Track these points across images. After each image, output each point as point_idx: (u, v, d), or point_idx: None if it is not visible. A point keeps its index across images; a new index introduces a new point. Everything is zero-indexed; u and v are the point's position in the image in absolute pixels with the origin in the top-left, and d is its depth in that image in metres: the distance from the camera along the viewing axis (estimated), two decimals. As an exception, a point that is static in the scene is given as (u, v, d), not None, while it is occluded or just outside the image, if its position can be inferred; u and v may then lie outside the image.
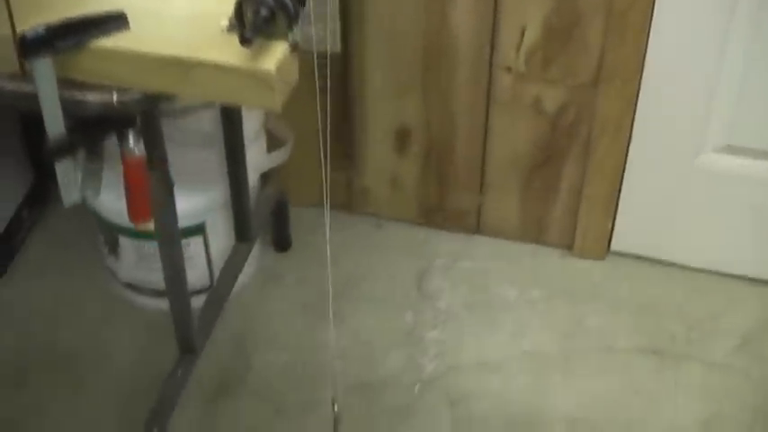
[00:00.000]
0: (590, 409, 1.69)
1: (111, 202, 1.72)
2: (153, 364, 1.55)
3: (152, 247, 1.72)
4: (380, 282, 1.92)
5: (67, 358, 1.77)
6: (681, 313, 1.87)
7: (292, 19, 1.03)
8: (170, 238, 1.38)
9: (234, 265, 1.69)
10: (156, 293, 1.83)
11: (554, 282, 1.93)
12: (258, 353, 1.77)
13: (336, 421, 1.27)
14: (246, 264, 1.83)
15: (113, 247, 1.83)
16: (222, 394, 1.69)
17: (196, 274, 1.78)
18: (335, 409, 1.26)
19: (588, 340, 1.82)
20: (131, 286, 1.87)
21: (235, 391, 1.70)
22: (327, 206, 1.18)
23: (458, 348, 1.79)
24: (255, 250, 1.93)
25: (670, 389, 1.73)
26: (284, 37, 1.05)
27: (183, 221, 1.55)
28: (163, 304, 1.76)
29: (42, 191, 2.04)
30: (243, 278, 1.87)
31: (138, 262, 1.81)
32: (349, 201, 2.01)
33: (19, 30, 1.04)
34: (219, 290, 1.65)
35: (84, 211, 1.85)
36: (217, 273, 1.76)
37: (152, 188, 1.28)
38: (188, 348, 1.51)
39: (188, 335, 1.50)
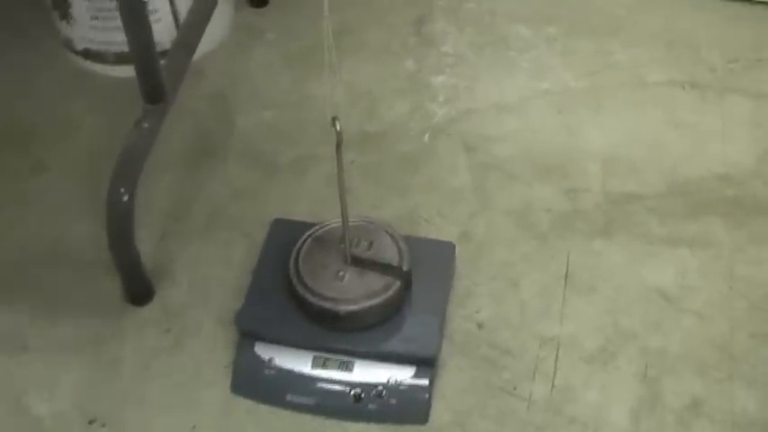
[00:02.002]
0: (626, 147, 1.47)
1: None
2: (119, 135, 1.31)
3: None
4: (375, 30, 1.67)
5: (25, 138, 1.52)
6: (719, 44, 1.64)
7: None
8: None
9: (201, 6, 1.43)
10: (117, 59, 1.59)
11: (572, 17, 1.69)
12: (242, 112, 1.54)
13: (339, 142, 1.04)
14: (221, 21, 1.59)
15: (65, 11, 1.57)
16: (205, 157, 1.47)
17: (162, 28, 1.53)
18: (338, 128, 1.02)
19: (617, 75, 1.59)
20: (89, 54, 1.62)
21: (219, 153, 1.47)
22: None
23: (469, 92, 1.55)
24: (229, 5, 1.67)
25: (716, 123, 1.51)
26: None
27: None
28: (125, 72, 1.52)
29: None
30: (218, 37, 1.63)
31: (93, 21, 1.55)
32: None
33: None
34: (187, 32, 1.40)
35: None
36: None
37: None
38: (154, 97, 1.27)
39: (153, 81, 1.25)
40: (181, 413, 1.17)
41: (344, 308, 1.15)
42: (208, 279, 1.31)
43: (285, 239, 1.25)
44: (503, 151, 1.47)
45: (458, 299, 1.27)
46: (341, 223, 1.19)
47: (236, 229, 1.37)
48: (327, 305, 1.15)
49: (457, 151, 1.47)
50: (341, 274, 1.18)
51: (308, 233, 1.23)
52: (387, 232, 1.23)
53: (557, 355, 1.22)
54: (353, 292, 1.16)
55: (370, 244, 1.21)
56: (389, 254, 1.20)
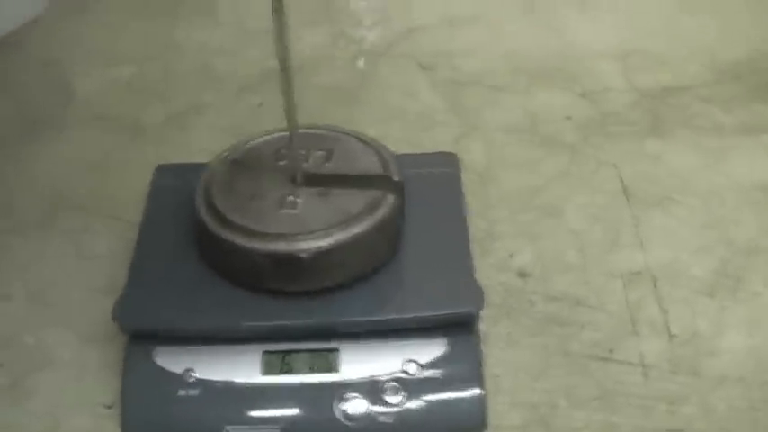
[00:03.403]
0: (642, 40, 1.07)
1: None
2: None
3: None
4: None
5: None
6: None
7: None
8: None
9: None
10: None
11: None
12: (85, 75, 1.04)
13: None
14: None
15: None
16: (38, 132, 0.94)
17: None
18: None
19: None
20: None
21: (58, 123, 0.95)
22: None
23: (404, 12, 1.11)
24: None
25: (737, 4, 1.10)
26: None
27: None
28: None
29: None
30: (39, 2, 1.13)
31: None
32: None
33: None
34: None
35: None
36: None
37: None
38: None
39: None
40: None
41: (307, 245, 0.63)
42: (59, 283, 0.78)
43: (180, 188, 0.73)
44: (474, 65, 1.01)
45: (476, 244, 0.77)
46: (269, 136, 0.70)
47: (95, 210, 0.84)
48: (276, 247, 0.63)
49: (409, 72, 1.00)
50: (290, 199, 0.67)
51: (220, 158, 0.71)
52: (353, 136, 0.73)
53: (657, 294, 0.73)
54: (317, 220, 0.65)
55: (329, 154, 0.71)
56: (364, 162, 0.70)
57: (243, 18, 1.10)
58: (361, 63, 1.02)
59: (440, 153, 0.79)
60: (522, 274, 0.76)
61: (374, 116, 0.94)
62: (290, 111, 0.66)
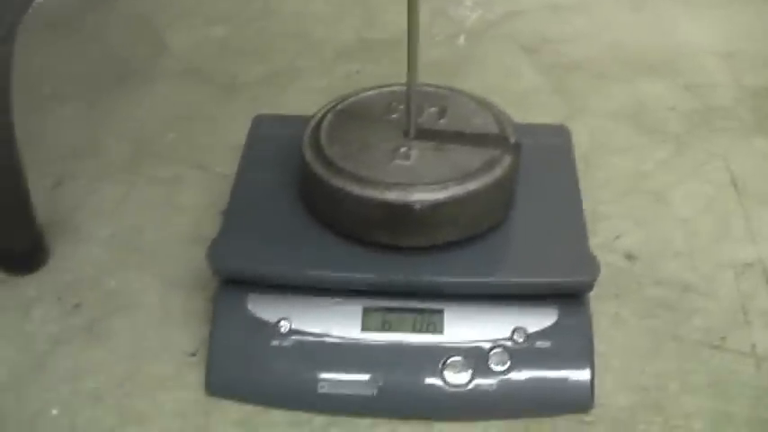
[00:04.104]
0: (749, 42, 1.03)
1: None
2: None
3: None
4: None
5: None
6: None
7: None
8: None
9: None
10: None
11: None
12: (177, 30, 1.02)
13: None
14: None
15: None
16: (127, 82, 0.93)
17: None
18: None
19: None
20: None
21: (148, 75, 0.94)
22: None
23: (505, -3, 1.07)
24: None
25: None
26: None
27: None
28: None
29: None
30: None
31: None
32: None
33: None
34: None
35: None
36: None
37: None
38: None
39: None
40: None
41: (421, 197, 0.60)
42: (145, 229, 0.75)
43: (278, 138, 0.70)
44: (578, 51, 0.98)
45: (580, 223, 0.73)
46: (378, 90, 0.67)
47: (183, 161, 0.82)
48: (388, 196, 0.60)
49: (512, 53, 0.97)
50: (403, 150, 0.63)
51: (325, 109, 0.69)
52: (467, 96, 0.70)
53: (771, 286, 0.69)
54: (432, 173, 0.61)
55: (443, 111, 0.68)
56: (479, 122, 0.67)
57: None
58: (461, 41, 0.99)
59: (552, 125, 0.75)
60: (630, 257, 0.73)
61: (474, 89, 0.90)
62: (412, 62, 0.63)
